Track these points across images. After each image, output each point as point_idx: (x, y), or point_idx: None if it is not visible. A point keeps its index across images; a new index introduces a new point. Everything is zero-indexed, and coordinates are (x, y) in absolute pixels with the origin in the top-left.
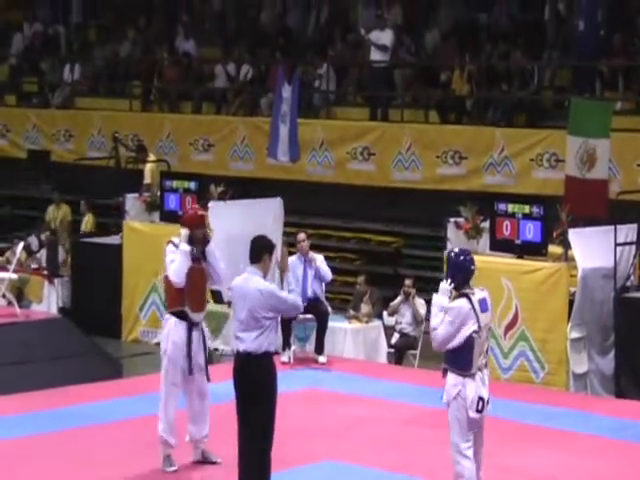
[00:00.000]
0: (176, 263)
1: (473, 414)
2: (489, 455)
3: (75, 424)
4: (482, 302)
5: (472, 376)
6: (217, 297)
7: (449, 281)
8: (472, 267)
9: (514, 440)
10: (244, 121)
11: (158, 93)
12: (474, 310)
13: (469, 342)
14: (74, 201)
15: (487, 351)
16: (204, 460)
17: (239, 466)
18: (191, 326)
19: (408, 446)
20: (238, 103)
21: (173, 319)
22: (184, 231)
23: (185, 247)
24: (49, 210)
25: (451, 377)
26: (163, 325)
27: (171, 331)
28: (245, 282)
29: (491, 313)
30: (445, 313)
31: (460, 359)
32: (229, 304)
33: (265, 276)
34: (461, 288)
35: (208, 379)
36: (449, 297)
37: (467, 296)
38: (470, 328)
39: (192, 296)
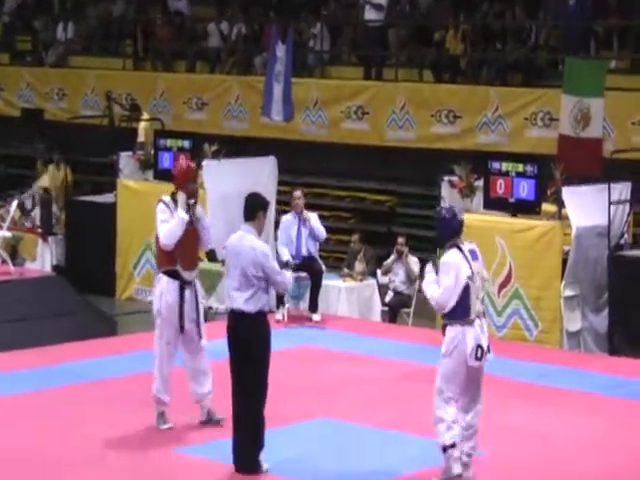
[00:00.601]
0: (170, 227)
1: (472, 362)
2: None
3: (69, 381)
4: (472, 252)
5: (471, 323)
6: (211, 255)
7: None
8: (460, 218)
9: (507, 398)
10: (238, 80)
11: (151, 52)
12: (466, 258)
13: (465, 289)
14: (69, 160)
15: (483, 299)
16: (208, 420)
17: (233, 424)
18: (183, 285)
19: (402, 403)
20: (232, 62)
21: (165, 278)
22: (182, 197)
23: (183, 215)
24: (48, 170)
25: (451, 330)
26: (155, 284)
27: (163, 290)
28: (239, 240)
29: (482, 263)
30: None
31: (458, 308)
32: (223, 262)
33: (260, 233)
34: (448, 242)
35: (201, 337)
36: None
37: (457, 246)
38: (464, 275)
39: (184, 255)
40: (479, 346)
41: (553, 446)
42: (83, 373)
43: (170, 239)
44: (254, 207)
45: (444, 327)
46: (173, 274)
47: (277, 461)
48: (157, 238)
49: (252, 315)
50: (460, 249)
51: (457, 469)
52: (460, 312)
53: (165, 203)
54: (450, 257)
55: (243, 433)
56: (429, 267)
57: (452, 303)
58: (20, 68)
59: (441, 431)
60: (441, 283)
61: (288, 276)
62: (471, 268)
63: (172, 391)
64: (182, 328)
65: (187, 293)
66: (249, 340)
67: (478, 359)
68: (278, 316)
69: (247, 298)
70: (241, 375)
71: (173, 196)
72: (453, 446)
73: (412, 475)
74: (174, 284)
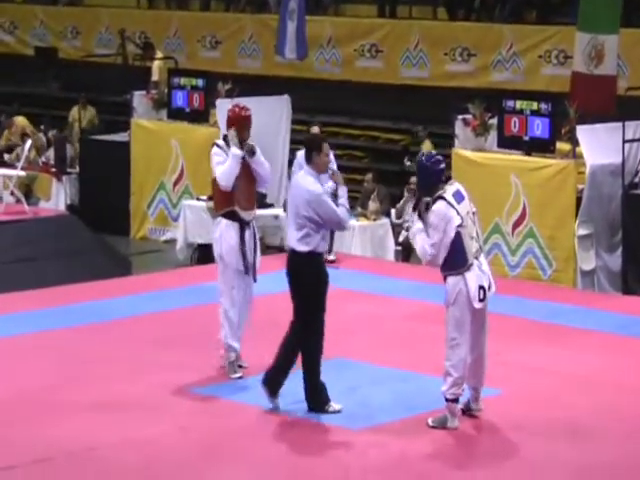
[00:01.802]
0: (226, 167)
1: (477, 304)
2: (494, 351)
3: (85, 321)
4: (456, 194)
5: (470, 267)
6: None
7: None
8: (441, 166)
9: (521, 337)
10: (252, 18)
11: None
12: (451, 205)
13: (457, 238)
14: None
15: (477, 236)
16: None
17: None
18: (242, 225)
19: (415, 342)
20: (245, 0)
21: (224, 221)
22: (232, 132)
23: (236, 151)
24: (73, 111)
25: (450, 279)
26: (213, 229)
27: (223, 234)
28: (298, 181)
29: (469, 200)
30: (426, 230)
31: (454, 259)
32: None
33: (320, 173)
34: (435, 191)
35: (255, 279)
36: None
37: (441, 197)
38: (454, 224)
39: (241, 194)
40: (481, 287)
41: (566, 384)
42: (98, 313)
43: (228, 179)
44: (307, 150)
45: (445, 278)
46: (231, 216)
47: (292, 400)
48: (214, 181)
49: (303, 254)
50: (444, 198)
51: (453, 423)
52: (457, 261)
53: (219, 146)
54: (437, 210)
55: (278, 362)
56: (414, 216)
57: (443, 255)
58: (33, 6)
59: (447, 383)
60: (431, 238)
61: (342, 212)
62: (459, 214)
63: (241, 338)
64: (247, 269)
65: (247, 234)
66: (298, 279)
67: (482, 300)
68: None
69: (299, 238)
70: (295, 312)
71: (225, 139)
72: (454, 401)
73: (426, 414)
74: (234, 226)
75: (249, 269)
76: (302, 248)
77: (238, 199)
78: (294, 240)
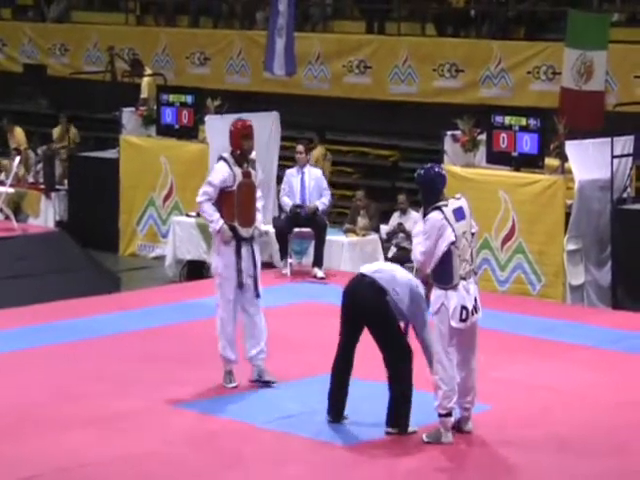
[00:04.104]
0: (207, 212)
1: (456, 324)
2: (484, 367)
3: (72, 338)
4: (457, 211)
5: (455, 287)
6: None
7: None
8: (442, 174)
9: (511, 352)
10: (240, 35)
11: (154, 7)
12: (448, 221)
13: (447, 256)
14: (71, 116)
15: (471, 258)
16: (258, 380)
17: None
18: (240, 241)
19: None
20: (234, 16)
21: None
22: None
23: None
24: (55, 131)
25: (435, 290)
26: (213, 242)
27: (221, 248)
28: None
29: (469, 220)
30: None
31: (441, 274)
32: None
33: None
34: (435, 202)
35: (257, 295)
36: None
37: (439, 209)
38: (447, 240)
39: (241, 210)
40: (463, 307)
41: (556, 399)
42: (87, 329)
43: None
44: None
45: (431, 285)
46: (230, 230)
47: (280, 417)
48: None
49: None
50: (442, 211)
51: (447, 438)
52: (442, 277)
53: (225, 160)
54: (432, 219)
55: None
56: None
57: (432, 265)
58: (22, 23)
59: (438, 397)
60: (423, 245)
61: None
62: (454, 231)
63: (238, 349)
64: (241, 284)
65: (244, 250)
66: (359, 303)
67: (462, 320)
68: (284, 270)
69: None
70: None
71: (233, 154)
72: (447, 415)
73: (417, 429)
74: (231, 241)
75: (243, 285)
76: (378, 277)
77: (237, 215)
78: (371, 269)
